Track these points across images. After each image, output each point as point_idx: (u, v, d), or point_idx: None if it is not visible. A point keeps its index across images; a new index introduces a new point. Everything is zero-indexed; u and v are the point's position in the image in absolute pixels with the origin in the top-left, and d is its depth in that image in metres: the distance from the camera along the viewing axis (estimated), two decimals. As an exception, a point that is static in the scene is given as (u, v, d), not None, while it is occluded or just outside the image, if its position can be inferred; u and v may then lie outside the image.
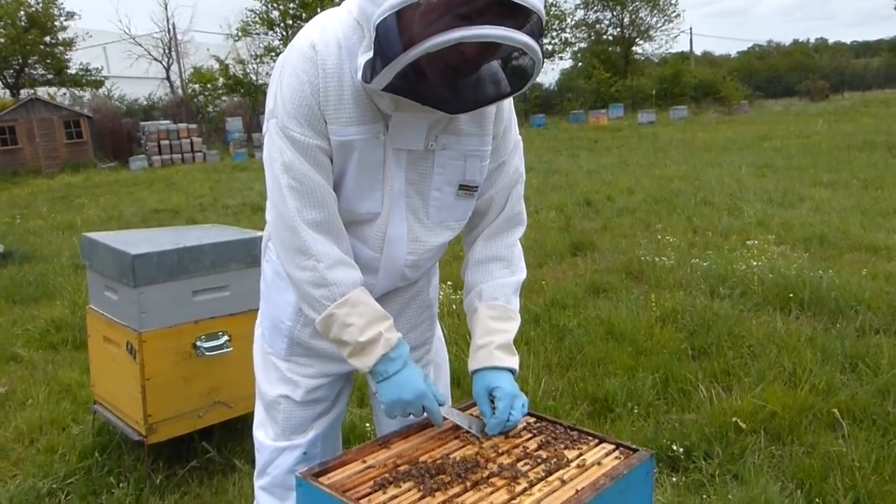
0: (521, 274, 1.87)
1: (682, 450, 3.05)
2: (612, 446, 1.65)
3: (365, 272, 1.71)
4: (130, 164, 24.04)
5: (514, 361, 1.76)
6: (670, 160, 13.60)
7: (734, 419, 3.25)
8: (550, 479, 1.49)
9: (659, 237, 6.90)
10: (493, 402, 1.69)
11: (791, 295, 4.72)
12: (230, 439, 3.17)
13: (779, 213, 7.87)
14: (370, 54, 1.41)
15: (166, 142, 25.37)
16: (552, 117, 33.02)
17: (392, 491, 1.45)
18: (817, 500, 2.70)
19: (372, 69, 1.42)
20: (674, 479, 2.91)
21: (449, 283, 5.09)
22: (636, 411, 3.49)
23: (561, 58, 44.32)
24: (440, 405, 1.68)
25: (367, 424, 3.26)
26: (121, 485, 2.87)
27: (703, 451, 3.07)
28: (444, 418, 1.69)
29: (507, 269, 1.83)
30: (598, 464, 1.56)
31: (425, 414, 1.67)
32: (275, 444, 1.88)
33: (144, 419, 2.80)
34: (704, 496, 2.78)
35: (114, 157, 27.42)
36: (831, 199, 8.63)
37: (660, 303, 4.87)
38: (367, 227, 1.68)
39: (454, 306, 4.93)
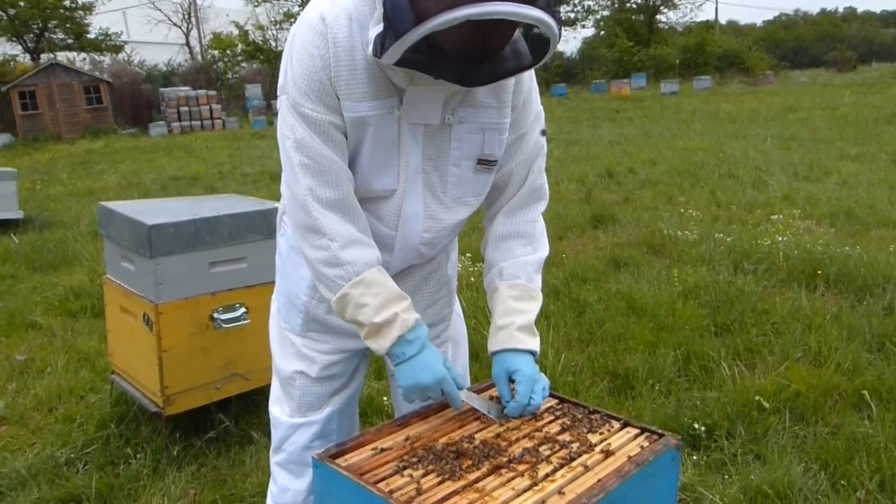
0: (544, 251, 1.80)
1: (703, 429, 3.00)
2: (637, 430, 1.60)
3: (380, 250, 1.66)
4: (150, 131, 24.11)
5: (534, 343, 1.71)
6: (693, 131, 13.36)
7: (757, 398, 3.19)
8: (573, 464, 1.45)
9: (681, 210, 6.78)
10: (513, 385, 1.64)
11: (818, 272, 4.61)
12: (247, 411, 3.17)
13: (804, 186, 7.70)
14: (381, 28, 1.35)
15: (185, 108, 25.36)
16: (573, 87, 32.60)
17: (410, 474, 1.41)
18: (842, 482, 2.64)
19: (382, 43, 1.35)
20: (695, 458, 2.86)
21: (468, 255, 5.03)
22: (657, 388, 3.43)
23: (583, 26, 43.67)
24: (459, 389, 1.63)
25: (385, 398, 3.24)
26: (138, 456, 2.88)
27: (725, 430, 3.02)
28: (463, 402, 1.65)
29: (528, 246, 1.77)
30: (623, 449, 1.51)
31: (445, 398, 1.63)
32: (290, 421, 1.86)
33: (161, 391, 2.79)
34: (726, 476, 2.74)
35: (133, 124, 27.50)
36: (858, 172, 8.42)
37: (682, 278, 4.78)
38: (382, 204, 1.63)
39: (472, 279, 4.89)
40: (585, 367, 3.72)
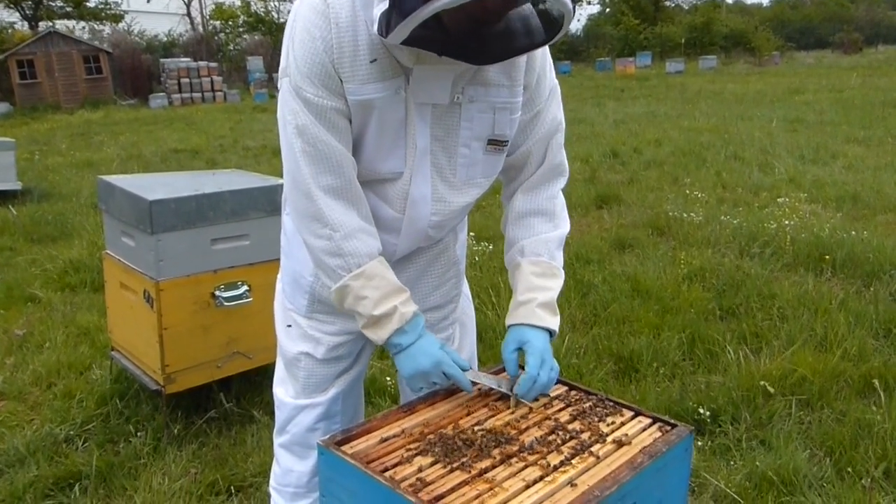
0: (565, 227, 1.76)
1: (708, 414, 2.98)
2: (649, 420, 1.57)
3: (386, 232, 1.63)
4: (150, 102, 23.91)
5: (554, 322, 1.67)
6: (699, 112, 13.24)
7: (762, 383, 3.17)
8: (585, 454, 1.41)
9: (687, 192, 6.72)
10: (522, 360, 1.61)
11: (826, 256, 4.57)
12: (249, 390, 3.14)
13: (811, 170, 7.63)
14: (385, 5, 1.28)
15: (186, 80, 25.15)
16: (578, 64, 32.32)
17: (418, 463, 1.38)
18: (847, 469, 2.63)
19: (388, 22, 1.29)
20: (699, 444, 2.84)
21: (471, 234, 4.99)
22: (661, 372, 3.41)
23: (589, 2, 43.13)
24: (464, 370, 1.60)
25: (388, 378, 3.21)
26: (138, 434, 2.86)
27: (730, 415, 3.00)
28: (472, 382, 1.61)
29: (549, 223, 1.73)
30: (635, 439, 1.47)
31: (451, 382, 1.60)
32: (295, 402, 1.83)
33: (162, 369, 2.76)
34: (731, 462, 2.72)
35: (133, 95, 27.28)
36: (865, 156, 8.35)
37: (687, 260, 4.74)
38: (389, 187, 1.59)
39: (476, 258, 4.85)
40: (590, 348, 3.69)
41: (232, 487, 2.59)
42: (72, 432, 2.90)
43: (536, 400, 1.60)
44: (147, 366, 2.89)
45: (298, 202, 1.54)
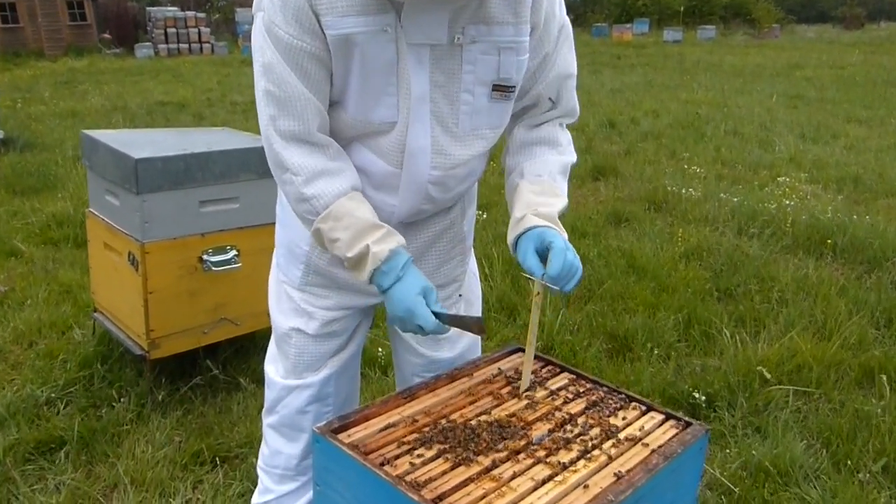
0: (571, 157, 1.62)
1: (703, 398, 2.93)
2: (662, 416, 1.50)
3: (384, 192, 1.51)
4: (136, 52, 23.33)
5: (562, 231, 1.48)
6: (697, 84, 13.08)
7: (759, 368, 3.12)
8: (596, 452, 1.34)
9: (685, 167, 6.63)
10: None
11: (827, 240, 4.50)
12: (236, 357, 3.04)
13: (811, 149, 7.54)
14: None
15: (173, 30, 24.54)
16: (574, 29, 31.67)
17: (420, 456, 1.30)
18: (846, 461, 2.59)
19: None
20: (698, 422, 2.78)
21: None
22: (656, 353, 3.35)
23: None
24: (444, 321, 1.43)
25: (380, 349, 3.13)
26: (122, 399, 2.76)
27: (725, 400, 2.95)
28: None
29: (553, 150, 1.59)
30: (648, 437, 1.40)
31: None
32: (284, 382, 1.74)
33: (146, 333, 2.66)
34: (726, 449, 2.67)
35: (119, 44, 26.61)
36: (867, 137, 8.27)
37: (685, 237, 4.67)
38: (382, 139, 1.45)
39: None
40: (583, 325, 3.62)
41: (217, 458, 2.51)
42: (53, 395, 2.81)
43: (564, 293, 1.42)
44: (131, 330, 2.79)
45: (266, 148, 1.44)
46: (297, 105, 1.36)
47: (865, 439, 2.70)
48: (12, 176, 6.30)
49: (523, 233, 1.45)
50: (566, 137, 1.63)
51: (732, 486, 2.43)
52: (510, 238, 1.49)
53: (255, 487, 1.88)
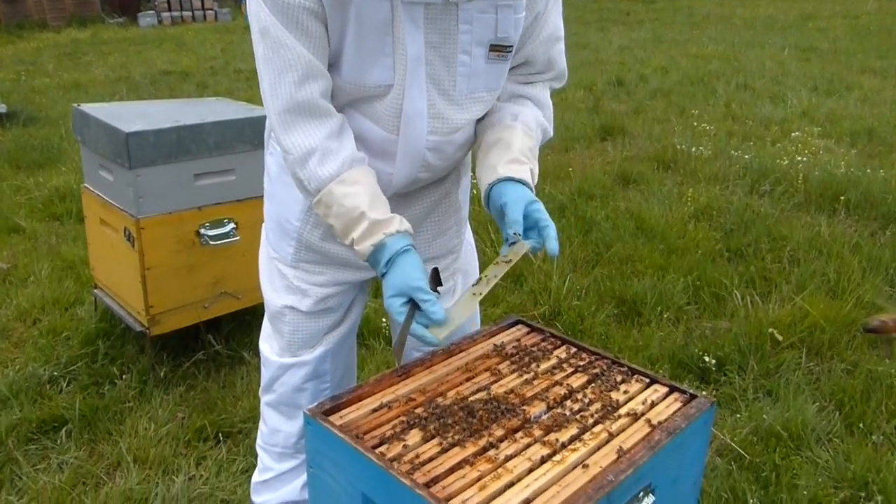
0: (551, 131, 1.60)
1: (713, 361, 2.88)
2: (666, 389, 1.45)
3: (380, 159, 1.44)
4: (139, 21, 23.07)
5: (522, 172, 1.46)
6: (707, 38, 12.76)
7: (771, 330, 3.06)
8: (596, 429, 1.29)
9: (695, 124, 6.48)
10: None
11: (840, 197, 4.39)
12: (238, 331, 3.02)
13: (824, 102, 7.34)
14: None
15: (176, -3, 24.21)
16: (582, -15, 31.12)
17: (413, 437, 1.25)
18: (860, 423, 2.54)
19: None
20: (703, 394, 2.74)
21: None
22: (665, 316, 3.30)
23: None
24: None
25: (384, 320, 3.10)
26: (123, 376, 2.75)
27: (736, 364, 2.90)
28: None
29: (541, 113, 1.56)
30: (650, 412, 1.35)
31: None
32: (280, 360, 1.71)
33: (146, 310, 2.63)
34: (736, 414, 2.63)
35: (122, 12, 26.32)
36: (881, 88, 8.04)
37: (694, 197, 4.57)
38: (378, 104, 1.38)
39: (473, 191, 4.66)
40: (591, 289, 3.57)
41: (220, 434, 2.50)
42: (55, 373, 2.80)
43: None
44: (131, 306, 2.77)
45: (267, 117, 1.39)
46: (297, 69, 1.29)
47: (879, 401, 2.65)
48: (15, 150, 6.25)
49: (518, 181, 1.42)
50: (550, 105, 1.60)
51: (744, 452, 2.39)
52: (501, 170, 1.43)
53: (258, 463, 1.86)
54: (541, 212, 1.40)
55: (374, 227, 1.33)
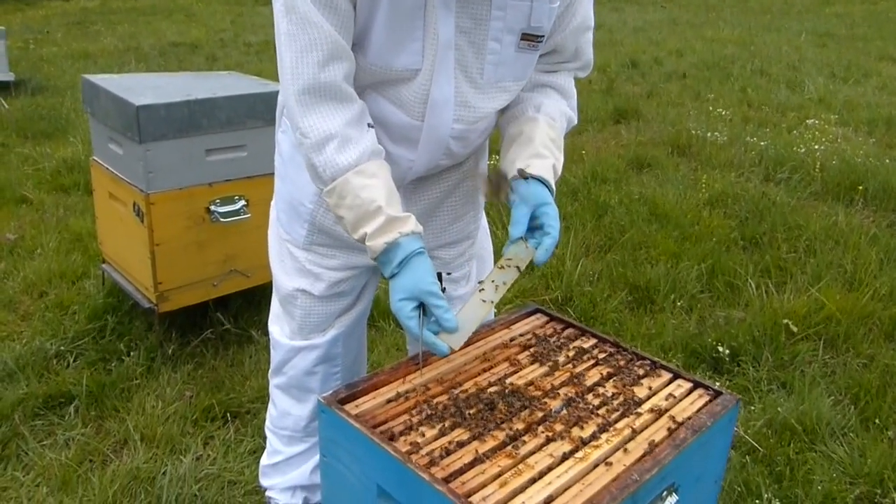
0: (575, 118, 1.58)
1: (727, 352, 2.84)
2: (690, 384, 1.41)
3: (402, 145, 1.40)
4: (148, -10, 22.87)
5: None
6: (723, 21, 12.59)
7: (785, 321, 3.02)
8: (619, 425, 1.25)
9: (710, 108, 6.39)
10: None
11: (858, 186, 4.32)
12: (247, 309, 2.99)
13: (842, 89, 7.23)
14: None
15: (185, -32, 23.96)
16: (596, -36, 30.74)
17: (431, 429, 1.22)
18: (875, 419, 2.50)
19: None
20: (717, 385, 2.71)
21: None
22: (679, 304, 3.25)
23: None
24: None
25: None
26: (131, 353, 2.72)
27: (750, 355, 2.86)
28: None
29: (565, 102, 1.53)
30: (674, 409, 1.31)
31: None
32: (291, 343, 1.67)
33: (155, 286, 2.60)
34: (750, 405, 2.59)
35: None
36: (900, 76, 7.93)
37: (709, 184, 4.51)
38: (404, 88, 1.33)
39: (487, 174, 4.61)
40: (604, 275, 3.52)
41: (228, 413, 2.47)
42: (62, 348, 2.77)
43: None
44: (139, 282, 2.73)
45: (284, 97, 1.33)
46: (322, 49, 1.22)
47: (895, 396, 2.61)
48: (23, 120, 6.20)
49: (533, 177, 1.37)
50: (574, 94, 1.57)
51: (757, 446, 2.36)
52: (520, 165, 1.39)
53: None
54: (548, 216, 1.36)
55: (391, 224, 1.26)
